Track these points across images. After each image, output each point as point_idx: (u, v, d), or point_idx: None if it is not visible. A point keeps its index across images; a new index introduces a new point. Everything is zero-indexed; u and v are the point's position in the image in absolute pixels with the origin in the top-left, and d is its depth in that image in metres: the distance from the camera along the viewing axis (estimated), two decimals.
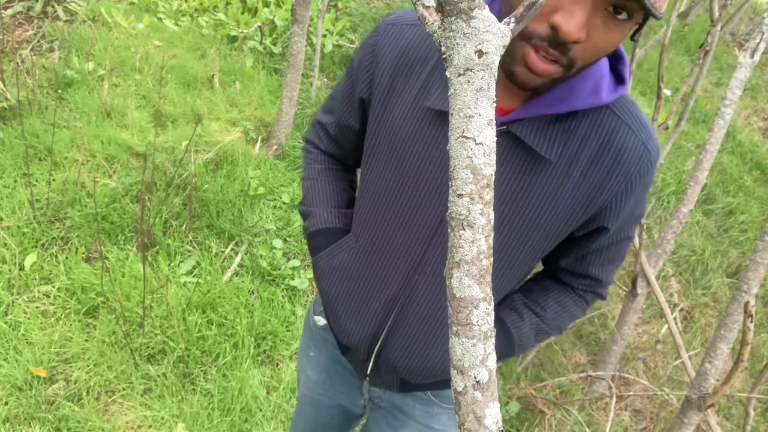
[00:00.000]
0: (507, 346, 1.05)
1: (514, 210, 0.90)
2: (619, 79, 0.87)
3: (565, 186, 0.88)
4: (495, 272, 0.95)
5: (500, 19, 0.77)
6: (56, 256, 2.26)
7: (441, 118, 0.88)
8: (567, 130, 0.86)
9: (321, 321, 1.20)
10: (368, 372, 1.11)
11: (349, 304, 1.06)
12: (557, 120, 0.86)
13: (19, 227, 2.29)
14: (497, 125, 0.86)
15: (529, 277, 1.10)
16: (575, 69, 0.77)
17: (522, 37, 0.74)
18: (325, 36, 3.85)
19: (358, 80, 0.99)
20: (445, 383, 1.11)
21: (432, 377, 1.06)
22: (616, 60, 0.88)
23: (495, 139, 0.42)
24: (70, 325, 2.09)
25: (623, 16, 0.72)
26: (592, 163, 0.87)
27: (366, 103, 1.00)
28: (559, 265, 1.05)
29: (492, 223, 0.43)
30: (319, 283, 1.10)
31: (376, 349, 1.06)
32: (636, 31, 0.81)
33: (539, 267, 1.12)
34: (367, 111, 1.01)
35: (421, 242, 0.96)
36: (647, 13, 0.73)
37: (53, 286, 2.17)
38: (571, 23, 0.70)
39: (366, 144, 1.01)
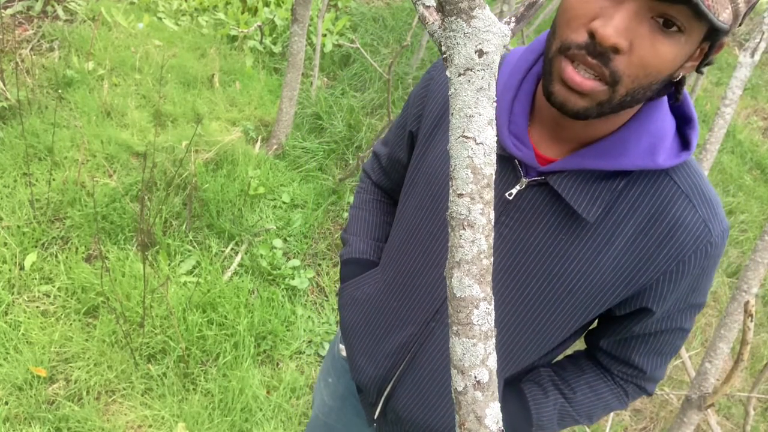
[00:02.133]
0: (524, 423, 0.94)
1: (547, 271, 0.82)
2: (685, 144, 0.78)
3: (607, 253, 0.79)
4: (519, 336, 0.88)
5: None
6: (56, 256, 2.26)
7: None
8: (613, 191, 0.78)
9: (345, 351, 1.16)
10: (375, 418, 1.05)
11: (365, 340, 1.01)
12: (605, 177, 0.77)
13: (19, 227, 2.29)
14: (536, 175, 0.80)
15: (567, 353, 1.03)
16: (623, 89, 0.68)
17: (560, 51, 0.68)
18: (325, 35, 3.84)
19: (410, 113, 0.97)
20: None
21: None
22: (684, 122, 0.79)
23: (495, 138, 0.42)
24: (70, 324, 2.09)
25: (674, 28, 0.64)
26: (641, 233, 0.78)
27: (414, 137, 0.97)
28: (599, 346, 0.95)
29: (492, 223, 0.43)
30: (340, 313, 1.07)
31: (385, 394, 1.00)
32: (704, 59, 0.71)
33: (580, 345, 1.03)
34: (414, 145, 0.98)
35: (443, 287, 0.90)
36: (711, 27, 0.64)
37: (53, 286, 2.17)
38: (609, 26, 0.63)
39: (406, 177, 0.97)
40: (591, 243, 0.80)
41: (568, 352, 1.04)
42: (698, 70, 0.73)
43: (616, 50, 0.65)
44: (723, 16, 0.62)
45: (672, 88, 0.76)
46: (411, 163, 0.96)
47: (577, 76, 0.67)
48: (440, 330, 0.92)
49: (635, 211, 0.78)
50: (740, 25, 0.67)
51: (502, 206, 0.83)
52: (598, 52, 0.65)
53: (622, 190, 0.78)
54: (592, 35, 0.65)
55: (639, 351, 0.91)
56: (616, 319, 0.89)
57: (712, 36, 0.67)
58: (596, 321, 0.95)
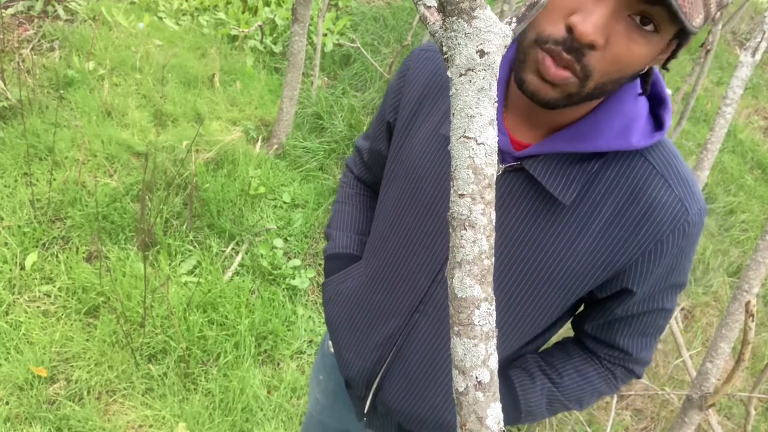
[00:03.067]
0: (512, 409, 0.94)
1: (525, 256, 0.83)
2: (659, 125, 0.79)
3: (585, 236, 0.80)
4: (501, 321, 0.88)
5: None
6: (57, 256, 2.26)
7: None
8: (588, 173, 0.78)
9: (333, 348, 1.17)
10: (365, 411, 1.05)
11: (351, 334, 1.01)
12: (579, 161, 0.78)
13: (19, 227, 2.29)
14: (511, 160, 0.80)
15: (554, 341, 1.03)
16: (593, 83, 0.69)
17: (537, 42, 0.69)
18: (325, 35, 3.84)
19: (387, 104, 0.97)
20: None
21: (431, 428, 0.99)
22: (657, 104, 0.80)
23: (497, 138, 0.42)
24: (71, 324, 2.09)
25: (650, 27, 0.65)
26: (618, 214, 0.79)
27: (392, 128, 0.97)
28: (585, 330, 0.95)
29: (493, 223, 0.43)
30: (324, 308, 1.07)
31: (374, 387, 1.01)
32: (671, 57, 0.72)
33: (568, 333, 1.04)
34: (392, 136, 0.97)
35: (426, 277, 0.90)
36: (681, 28, 0.66)
37: (54, 286, 2.17)
38: (588, 23, 0.63)
39: (386, 169, 0.97)
40: (569, 226, 0.80)
41: (555, 339, 1.05)
42: (664, 66, 0.75)
43: (592, 46, 0.65)
44: (696, 21, 0.64)
45: (640, 78, 0.77)
46: (390, 154, 0.96)
47: (552, 68, 0.68)
48: (425, 321, 0.92)
49: (611, 193, 0.79)
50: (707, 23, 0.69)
51: None
52: (574, 47, 0.66)
53: (598, 172, 0.79)
54: (569, 29, 0.65)
55: (623, 333, 0.91)
56: (599, 302, 0.90)
57: (681, 35, 0.68)
58: (582, 306, 0.96)
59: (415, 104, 0.90)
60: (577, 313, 0.97)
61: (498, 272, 0.85)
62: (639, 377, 0.99)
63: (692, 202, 0.79)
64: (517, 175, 0.81)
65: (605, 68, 0.67)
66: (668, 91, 0.82)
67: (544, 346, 1.02)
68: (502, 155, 0.81)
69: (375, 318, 0.98)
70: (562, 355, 0.98)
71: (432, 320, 0.92)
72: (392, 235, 0.94)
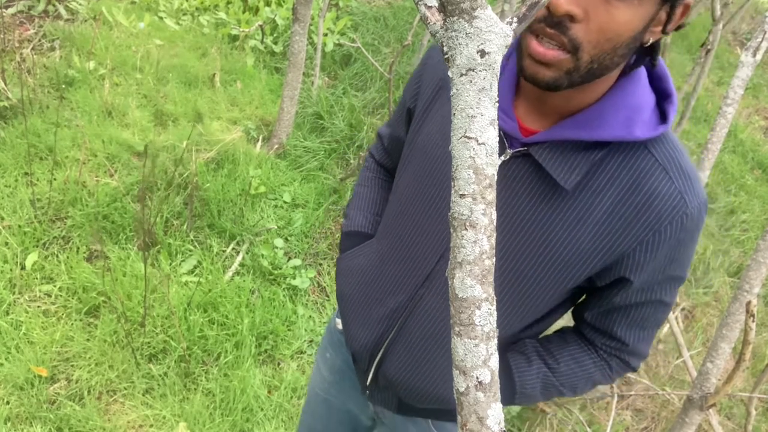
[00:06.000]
0: (508, 391, 0.98)
1: (529, 239, 0.85)
2: (663, 118, 0.81)
3: (587, 223, 0.83)
4: (503, 302, 0.91)
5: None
6: (57, 256, 2.26)
7: None
8: (592, 161, 0.80)
9: (341, 324, 1.20)
10: (368, 384, 1.09)
11: (359, 308, 1.05)
12: (584, 149, 0.80)
13: (20, 226, 2.29)
14: (519, 146, 0.83)
15: (555, 330, 1.05)
16: (587, 56, 0.71)
17: (527, 29, 0.73)
18: (326, 35, 3.84)
19: (408, 91, 1.01)
20: (445, 413, 1.08)
21: (429, 402, 1.03)
22: (663, 97, 0.82)
23: (497, 139, 0.42)
24: (72, 324, 2.09)
25: None
26: (619, 203, 0.81)
27: (411, 113, 1.01)
28: (584, 318, 0.98)
29: (494, 223, 0.43)
30: (336, 282, 1.12)
31: (376, 360, 1.04)
32: (668, 22, 0.73)
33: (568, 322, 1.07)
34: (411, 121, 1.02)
35: (434, 254, 0.94)
36: None
37: (54, 286, 2.17)
38: None
39: (402, 152, 1.01)
40: (571, 212, 0.83)
41: (555, 327, 1.08)
42: (664, 31, 0.75)
43: (572, 18, 0.68)
44: None
45: (647, 58, 0.80)
46: (407, 138, 1.00)
47: (540, 47, 0.71)
48: (429, 296, 0.96)
49: (613, 182, 0.81)
50: None
51: None
52: (555, 21, 0.69)
53: (601, 161, 0.81)
54: (548, 8, 0.69)
55: (620, 323, 0.94)
56: (598, 291, 0.93)
57: None
58: (583, 296, 0.99)
59: (433, 90, 0.94)
60: (578, 302, 1.00)
61: (501, 253, 0.88)
62: (635, 370, 1.01)
63: (692, 196, 0.81)
64: (524, 160, 0.83)
65: (594, 38, 0.70)
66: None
67: (543, 334, 1.06)
68: (510, 140, 0.84)
69: (383, 292, 1.01)
70: (559, 342, 1.01)
71: (436, 296, 0.95)
72: (405, 214, 0.97)
